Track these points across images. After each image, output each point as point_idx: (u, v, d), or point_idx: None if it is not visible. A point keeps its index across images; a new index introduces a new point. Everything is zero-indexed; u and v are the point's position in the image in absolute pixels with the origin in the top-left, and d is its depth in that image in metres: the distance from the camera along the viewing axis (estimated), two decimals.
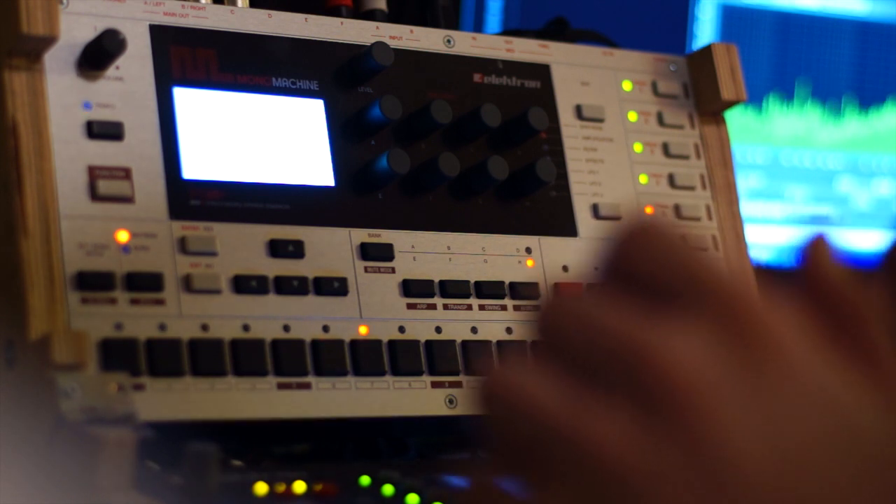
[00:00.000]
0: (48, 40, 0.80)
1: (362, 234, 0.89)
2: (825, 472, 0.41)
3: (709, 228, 1.02)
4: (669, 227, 0.43)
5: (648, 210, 1.00)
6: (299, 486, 0.76)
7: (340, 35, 0.93)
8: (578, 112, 1.00)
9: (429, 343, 0.89)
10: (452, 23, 1.07)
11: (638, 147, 1.01)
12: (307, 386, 0.84)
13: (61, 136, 0.81)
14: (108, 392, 0.74)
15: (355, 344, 0.86)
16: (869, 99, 1.71)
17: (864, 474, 0.41)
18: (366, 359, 0.86)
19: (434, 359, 0.88)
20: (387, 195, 0.91)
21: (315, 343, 0.85)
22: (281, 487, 0.76)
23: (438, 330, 0.89)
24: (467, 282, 0.91)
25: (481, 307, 0.92)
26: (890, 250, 0.47)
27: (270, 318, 0.84)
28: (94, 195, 0.82)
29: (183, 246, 0.83)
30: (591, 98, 1.00)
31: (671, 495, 0.40)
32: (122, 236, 0.82)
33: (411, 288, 0.89)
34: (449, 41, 0.97)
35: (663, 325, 0.41)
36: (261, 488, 0.75)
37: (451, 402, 0.88)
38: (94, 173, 0.82)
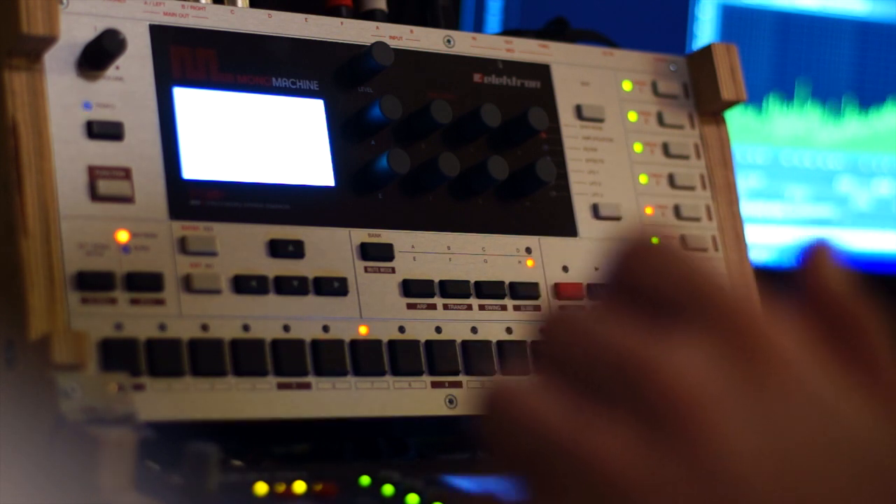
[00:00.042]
0: (48, 40, 0.80)
1: (362, 234, 0.89)
2: (827, 484, 0.41)
3: (709, 229, 1.02)
4: (672, 240, 0.43)
5: (648, 210, 1.00)
6: (299, 486, 0.76)
7: (340, 35, 0.93)
8: (578, 112, 1.00)
9: (429, 343, 0.89)
10: (452, 23, 1.06)
11: (638, 147, 1.01)
12: (307, 386, 0.84)
13: (61, 136, 0.81)
14: (108, 392, 0.74)
15: (355, 344, 0.86)
16: (869, 99, 1.71)
17: (866, 485, 0.41)
18: (366, 359, 0.86)
19: (434, 359, 0.88)
20: (387, 195, 0.91)
21: (315, 343, 0.85)
22: (281, 487, 0.76)
23: (438, 330, 0.89)
24: (467, 282, 0.91)
25: (481, 307, 0.92)
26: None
27: (270, 318, 0.84)
28: (94, 195, 0.82)
29: (183, 246, 0.83)
30: (591, 98, 1.00)
31: None
32: (122, 236, 0.82)
33: (411, 288, 0.89)
34: (449, 41, 0.97)
35: (666, 340, 0.41)
36: (261, 488, 0.75)
37: (450, 402, 0.88)
38: (94, 173, 0.82)
